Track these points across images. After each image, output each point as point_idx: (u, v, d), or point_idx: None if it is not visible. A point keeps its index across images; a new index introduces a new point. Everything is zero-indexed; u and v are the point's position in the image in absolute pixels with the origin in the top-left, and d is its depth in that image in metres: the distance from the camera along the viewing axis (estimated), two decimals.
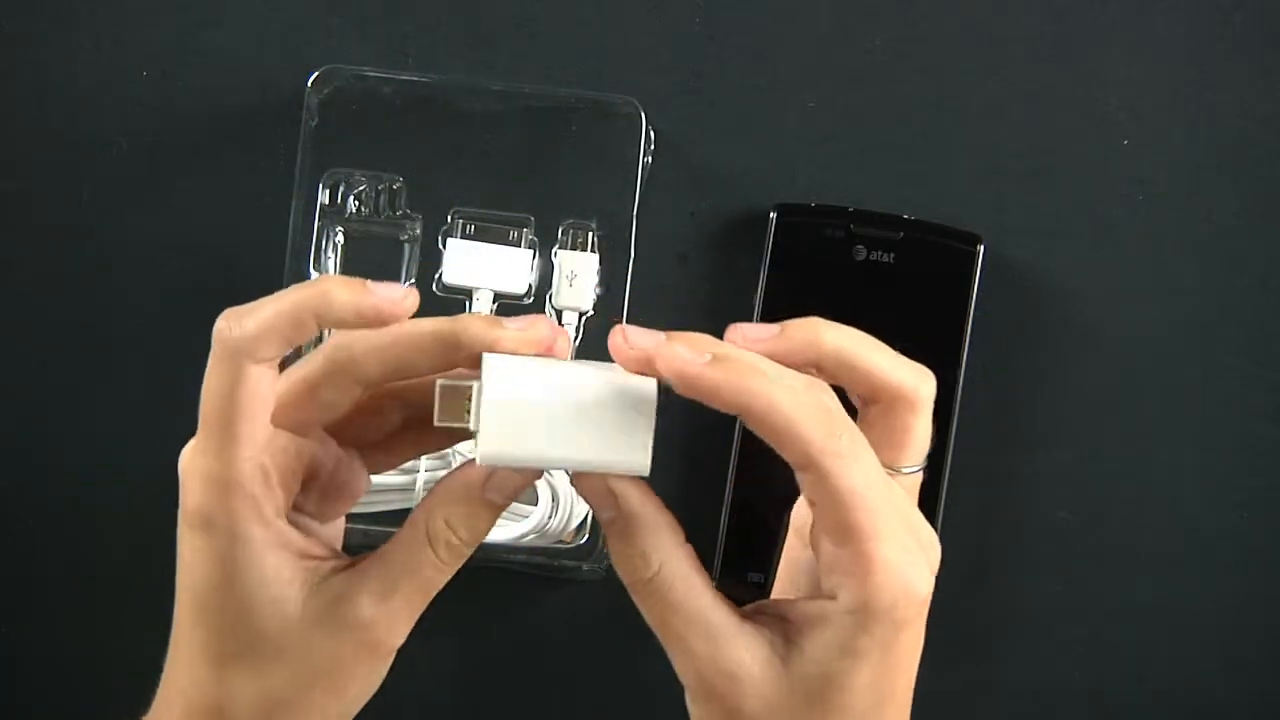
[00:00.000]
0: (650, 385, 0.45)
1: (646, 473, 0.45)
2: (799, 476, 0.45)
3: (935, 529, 0.66)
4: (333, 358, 0.46)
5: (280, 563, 0.45)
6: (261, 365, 0.45)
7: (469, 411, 0.45)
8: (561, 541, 0.66)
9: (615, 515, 0.46)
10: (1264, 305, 0.68)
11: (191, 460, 0.45)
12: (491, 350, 0.45)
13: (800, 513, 0.49)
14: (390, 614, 0.46)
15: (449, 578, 0.47)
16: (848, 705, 0.45)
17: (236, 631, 0.46)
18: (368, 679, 0.47)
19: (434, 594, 0.47)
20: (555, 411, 0.44)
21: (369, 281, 0.45)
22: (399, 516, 0.65)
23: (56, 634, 0.70)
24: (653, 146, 0.68)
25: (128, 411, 0.70)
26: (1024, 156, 0.69)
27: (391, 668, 0.47)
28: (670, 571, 0.46)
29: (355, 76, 0.68)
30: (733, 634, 0.46)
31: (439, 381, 0.45)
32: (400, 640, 0.47)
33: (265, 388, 0.45)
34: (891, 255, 0.67)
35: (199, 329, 0.69)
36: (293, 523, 0.47)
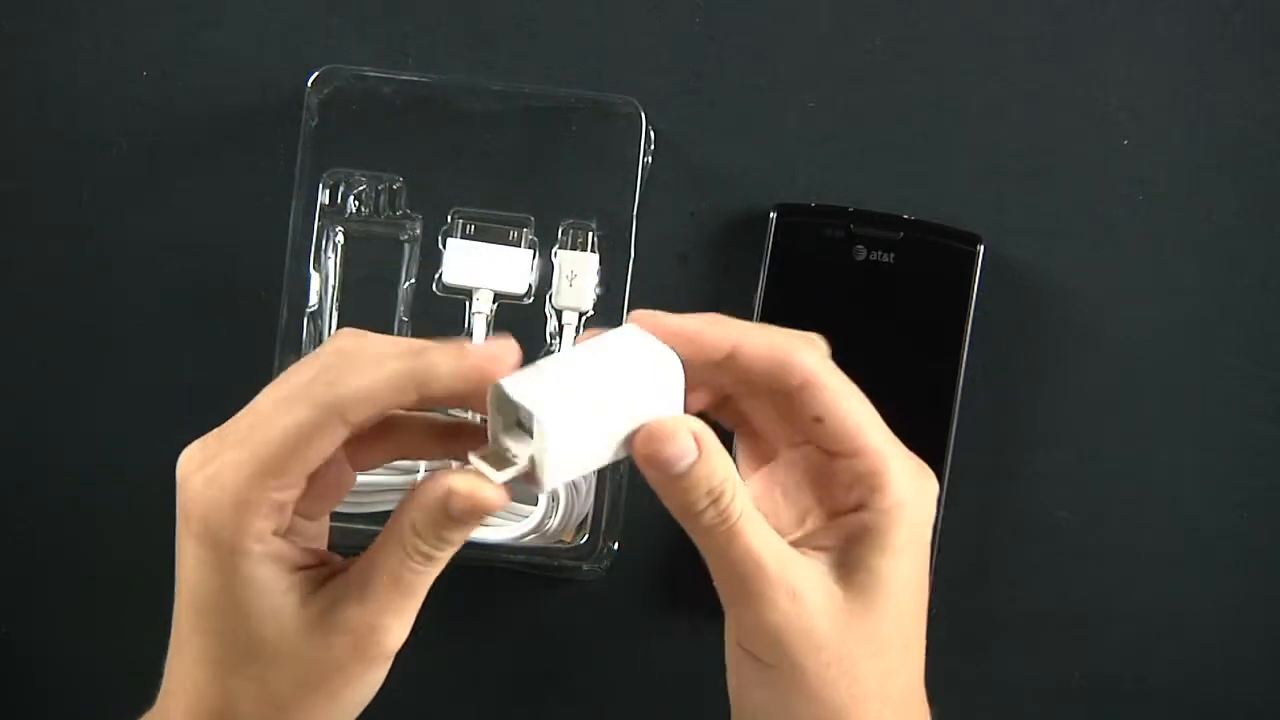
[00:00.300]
0: (669, 353, 0.46)
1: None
2: (798, 399, 0.47)
3: (935, 529, 0.67)
4: (324, 405, 0.46)
5: (277, 575, 0.46)
6: (345, 427, 0.45)
7: (512, 453, 0.45)
8: (561, 541, 0.66)
9: (697, 455, 0.46)
10: (1264, 305, 0.68)
11: (207, 467, 0.46)
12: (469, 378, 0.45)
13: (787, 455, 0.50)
14: (377, 616, 0.46)
15: (431, 579, 0.47)
16: (895, 599, 0.47)
17: (236, 639, 0.46)
18: (365, 683, 0.47)
19: (421, 595, 0.47)
20: (595, 409, 0.45)
21: (466, 344, 0.46)
22: None
23: (56, 634, 0.70)
24: (653, 146, 0.68)
25: (128, 411, 0.70)
26: (1024, 156, 0.69)
27: (392, 669, 0.47)
28: (744, 499, 0.46)
29: (355, 76, 0.68)
30: (794, 556, 0.47)
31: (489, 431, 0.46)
32: (395, 642, 0.47)
33: (336, 443, 0.45)
34: (891, 255, 0.67)
35: (199, 329, 0.70)
36: (287, 532, 0.47)
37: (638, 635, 0.69)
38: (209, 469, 0.46)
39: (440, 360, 0.45)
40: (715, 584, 0.47)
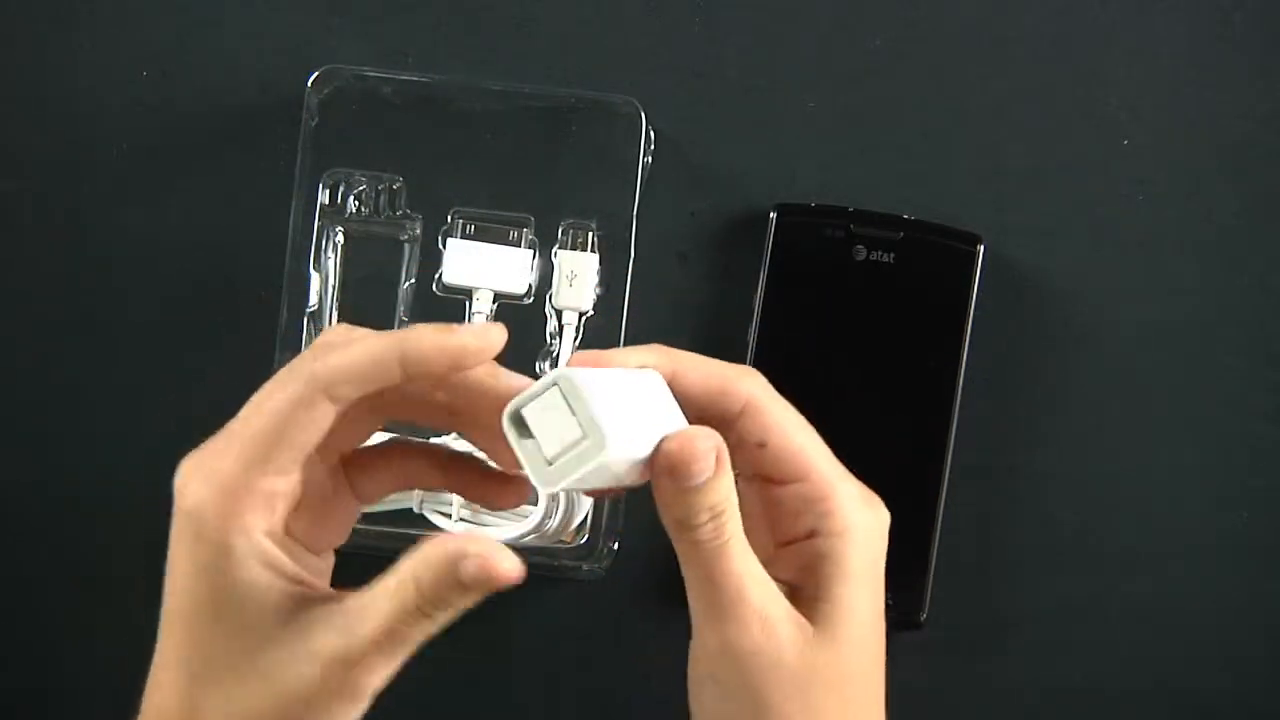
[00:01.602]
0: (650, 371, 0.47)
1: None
2: (741, 426, 0.47)
3: (935, 529, 0.67)
4: (307, 379, 0.45)
5: (263, 582, 0.45)
6: (331, 404, 0.45)
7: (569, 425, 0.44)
8: (561, 541, 0.66)
9: (714, 471, 0.45)
10: (1264, 305, 0.68)
11: (200, 465, 0.45)
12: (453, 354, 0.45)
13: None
14: (360, 654, 0.44)
15: (426, 636, 0.45)
16: (857, 630, 0.47)
17: (212, 650, 0.45)
18: (342, 717, 0.45)
19: (412, 647, 0.45)
20: (632, 398, 0.45)
21: (454, 325, 0.46)
22: (398, 516, 0.65)
23: (57, 634, 0.70)
24: (653, 146, 0.68)
25: (128, 411, 0.70)
26: (1024, 156, 0.69)
27: None
28: (738, 521, 0.46)
29: (355, 76, 0.68)
30: (773, 587, 0.47)
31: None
32: (375, 684, 0.45)
33: (322, 426, 0.45)
34: (891, 255, 0.67)
35: (199, 329, 0.70)
36: (282, 547, 0.46)
37: (638, 635, 0.69)
38: (202, 469, 0.45)
39: (425, 334, 0.45)
40: (690, 600, 0.47)
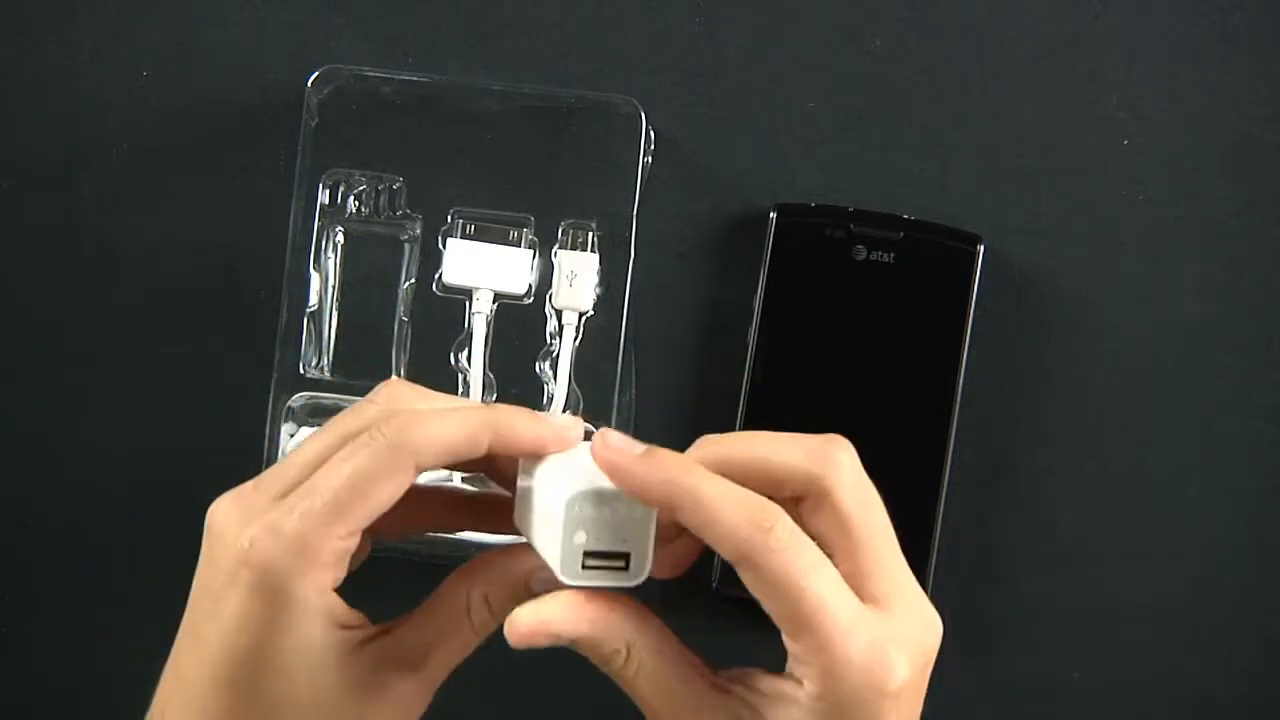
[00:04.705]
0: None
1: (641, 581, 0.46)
2: (740, 574, 0.44)
3: (935, 529, 0.67)
4: (396, 447, 0.45)
5: (326, 633, 0.45)
6: (415, 472, 0.45)
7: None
8: None
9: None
10: (1264, 305, 0.68)
11: (266, 518, 0.44)
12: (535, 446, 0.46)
13: None
14: (426, 682, 0.46)
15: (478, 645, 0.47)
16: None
17: (267, 699, 0.45)
18: None
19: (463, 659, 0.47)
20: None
21: (540, 414, 0.46)
22: None
23: (57, 634, 0.70)
24: (653, 146, 0.68)
25: (127, 411, 0.70)
26: (1024, 156, 0.69)
27: None
28: (644, 657, 0.46)
29: (355, 76, 0.68)
30: (705, 709, 0.46)
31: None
32: (428, 703, 0.47)
33: (401, 489, 0.45)
34: (891, 255, 0.67)
35: (199, 329, 0.70)
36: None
37: None
38: (267, 517, 0.44)
39: (518, 420, 0.46)
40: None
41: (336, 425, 0.46)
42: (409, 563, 0.63)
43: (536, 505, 0.46)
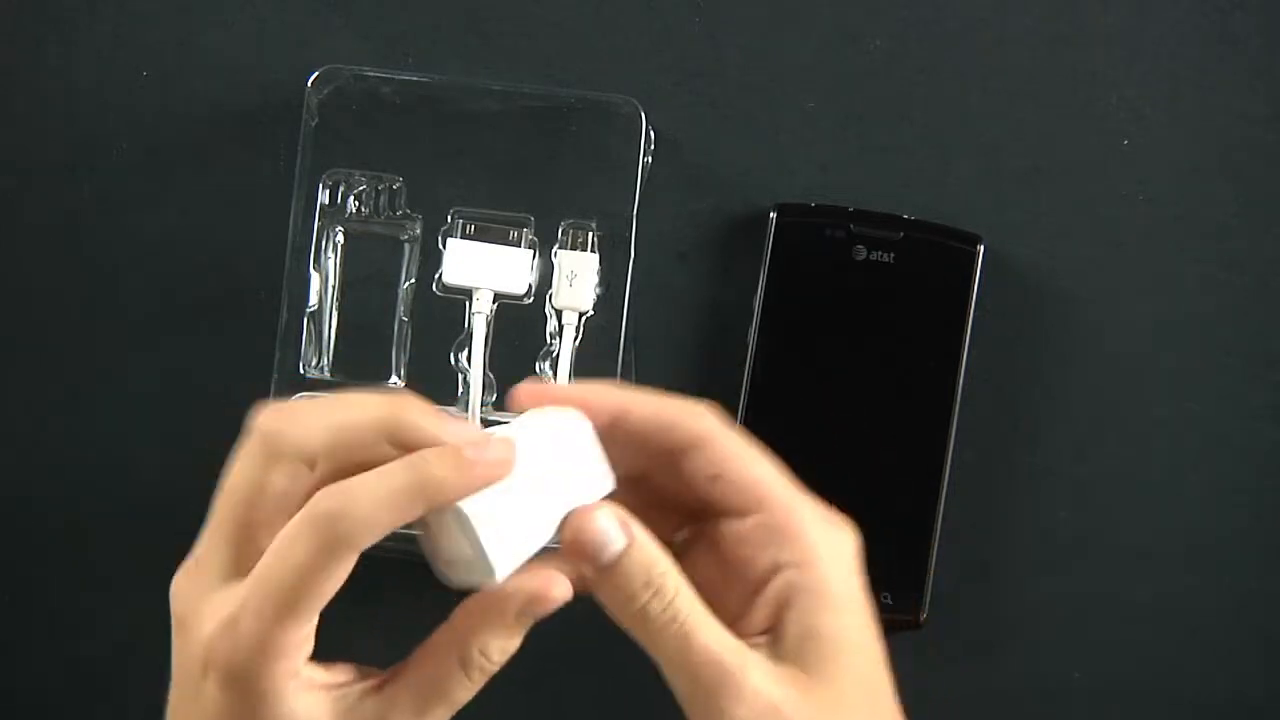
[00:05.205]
0: (574, 414, 0.46)
1: (614, 486, 0.46)
2: (692, 461, 0.46)
3: (935, 529, 0.67)
4: (335, 539, 0.44)
5: (311, 706, 0.44)
6: (355, 554, 0.43)
7: (459, 545, 0.45)
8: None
9: (627, 542, 0.45)
10: (1264, 305, 0.68)
11: (212, 608, 0.44)
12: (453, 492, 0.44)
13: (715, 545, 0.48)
14: None
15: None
16: (851, 662, 0.45)
17: None
18: None
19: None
20: (530, 491, 0.45)
21: (461, 449, 0.44)
22: None
23: (57, 634, 0.70)
24: (653, 146, 0.68)
25: (128, 412, 0.70)
26: (1024, 156, 0.69)
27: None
28: (690, 594, 0.45)
29: (355, 76, 0.68)
30: (750, 651, 0.45)
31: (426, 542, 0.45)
32: None
33: (346, 571, 0.44)
34: (891, 255, 0.67)
35: (199, 329, 0.70)
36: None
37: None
38: (221, 615, 0.43)
39: (442, 474, 0.43)
40: (672, 688, 0.45)
41: (238, 479, 0.45)
42: (409, 563, 0.63)
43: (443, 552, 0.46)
